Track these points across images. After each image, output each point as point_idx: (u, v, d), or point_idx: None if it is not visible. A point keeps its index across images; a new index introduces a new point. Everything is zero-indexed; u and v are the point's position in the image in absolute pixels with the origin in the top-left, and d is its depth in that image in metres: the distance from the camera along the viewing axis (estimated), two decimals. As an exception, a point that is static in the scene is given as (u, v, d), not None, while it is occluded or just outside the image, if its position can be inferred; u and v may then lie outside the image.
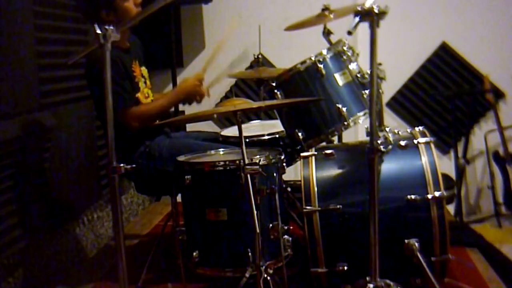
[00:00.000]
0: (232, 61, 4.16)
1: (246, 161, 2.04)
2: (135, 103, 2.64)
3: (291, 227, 2.47)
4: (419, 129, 2.47)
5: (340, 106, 2.43)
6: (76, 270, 2.95)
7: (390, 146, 2.29)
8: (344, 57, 2.50)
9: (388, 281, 2.03)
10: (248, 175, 2.02)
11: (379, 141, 1.91)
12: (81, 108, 3.01)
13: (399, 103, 4.17)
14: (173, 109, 3.54)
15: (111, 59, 2.57)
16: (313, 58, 2.45)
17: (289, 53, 3.94)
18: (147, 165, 2.65)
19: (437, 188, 2.25)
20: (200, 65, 4.19)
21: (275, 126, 2.83)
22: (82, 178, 2.99)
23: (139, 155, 2.67)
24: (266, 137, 2.73)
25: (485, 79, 3.96)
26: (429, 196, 2.24)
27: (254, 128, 2.99)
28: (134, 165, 1.87)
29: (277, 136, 2.73)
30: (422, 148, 2.35)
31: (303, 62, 2.46)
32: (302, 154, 2.44)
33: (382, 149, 1.91)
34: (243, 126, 2.10)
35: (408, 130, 2.52)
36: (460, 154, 4.00)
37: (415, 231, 2.24)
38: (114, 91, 2.52)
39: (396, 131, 2.52)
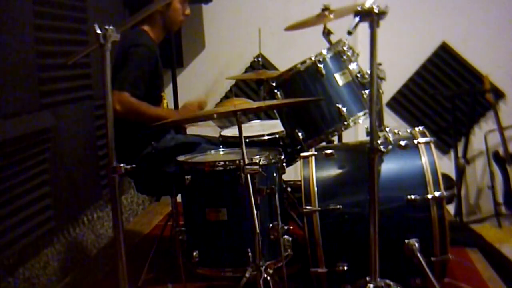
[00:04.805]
0: (232, 62, 4.16)
1: (246, 161, 2.04)
2: (135, 95, 2.62)
3: (291, 227, 2.47)
4: (419, 129, 2.47)
5: (340, 106, 2.43)
6: (76, 270, 2.95)
7: (390, 146, 2.28)
8: (344, 57, 2.50)
9: (388, 281, 2.03)
10: (248, 175, 2.02)
11: (379, 141, 1.91)
12: (81, 108, 3.01)
13: (399, 103, 4.17)
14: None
15: (154, 51, 2.74)
16: (313, 58, 2.45)
17: (289, 53, 3.94)
18: (151, 166, 2.67)
19: (437, 188, 2.25)
20: (200, 65, 4.24)
21: (275, 126, 2.83)
22: (82, 178, 2.99)
23: (145, 157, 2.69)
24: (266, 137, 2.73)
25: (485, 79, 3.96)
26: (429, 196, 2.24)
27: (254, 128, 2.99)
28: (134, 165, 1.87)
29: (277, 136, 2.73)
30: (422, 148, 2.34)
31: (303, 62, 2.46)
32: (302, 154, 2.44)
33: (382, 149, 1.91)
34: (243, 126, 2.10)
35: (408, 130, 2.52)
36: (460, 154, 4.00)
37: (415, 231, 2.24)
38: (129, 74, 2.61)
39: (396, 131, 2.52)
